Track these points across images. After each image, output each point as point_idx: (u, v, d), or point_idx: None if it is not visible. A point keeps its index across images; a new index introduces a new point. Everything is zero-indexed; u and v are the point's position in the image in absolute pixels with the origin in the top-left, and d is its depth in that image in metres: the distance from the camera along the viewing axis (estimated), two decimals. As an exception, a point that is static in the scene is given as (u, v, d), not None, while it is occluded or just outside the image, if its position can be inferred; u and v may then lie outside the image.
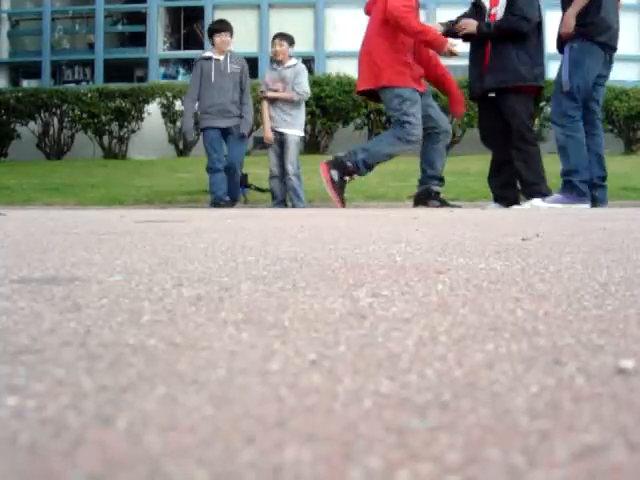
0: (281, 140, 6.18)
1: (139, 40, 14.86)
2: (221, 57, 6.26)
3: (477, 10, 5.64)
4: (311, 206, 6.33)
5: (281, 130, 6.15)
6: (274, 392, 0.54)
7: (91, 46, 14.91)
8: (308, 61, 13.81)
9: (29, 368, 0.61)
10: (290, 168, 6.15)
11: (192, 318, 0.84)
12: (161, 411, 0.49)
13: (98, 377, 0.58)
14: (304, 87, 6.24)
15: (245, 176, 7.00)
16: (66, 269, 1.32)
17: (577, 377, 0.58)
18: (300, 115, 6.32)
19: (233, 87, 6.31)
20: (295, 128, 6.25)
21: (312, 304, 0.93)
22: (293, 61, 6.28)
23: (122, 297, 0.99)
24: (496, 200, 5.62)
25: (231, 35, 6.36)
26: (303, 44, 13.11)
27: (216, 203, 6.18)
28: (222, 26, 6.37)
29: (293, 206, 6.20)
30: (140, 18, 14.86)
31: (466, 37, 5.56)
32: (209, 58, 6.28)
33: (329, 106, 11.66)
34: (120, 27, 15.48)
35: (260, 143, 8.16)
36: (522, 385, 0.55)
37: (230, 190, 6.39)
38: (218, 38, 6.27)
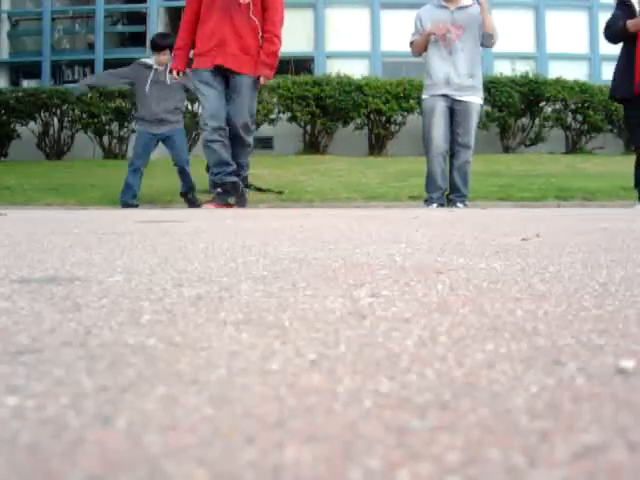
0: None
1: (139, 40, 14.86)
2: (161, 67, 6.32)
3: (626, 9, 5.46)
4: (311, 206, 6.32)
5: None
6: (274, 392, 0.54)
7: (91, 46, 14.91)
8: (308, 61, 13.82)
9: (29, 368, 0.61)
10: None
11: (192, 318, 0.84)
12: (161, 411, 0.49)
13: (98, 377, 0.58)
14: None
15: (245, 177, 7.05)
16: (66, 269, 1.32)
17: (577, 377, 0.58)
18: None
19: (172, 96, 6.36)
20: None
21: (312, 304, 0.93)
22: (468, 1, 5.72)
23: (122, 297, 0.99)
24: None
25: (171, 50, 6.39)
26: (303, 44, 13.12)
27: (125, 204, 6.35)
28: (164, 43, 6.36)
29: None
30: (140, 18, 14.86)
31: (624, 37, 5.43)
32: (149, 66, 6.36)
33: (329, 106, 11.66)
34: (120, 27, 15.49)
35: (260, 143, 8.18)
36: (522, 385, 0.55)
37: (185, 187, 6.54)
38: (157, 56, 6.36)
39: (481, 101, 5.82)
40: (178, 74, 5.59)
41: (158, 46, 6.36)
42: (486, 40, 5.65)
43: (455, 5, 5.63)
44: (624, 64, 5.50)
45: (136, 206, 6.37)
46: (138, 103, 6.60)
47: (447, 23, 5.61)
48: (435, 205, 5.71)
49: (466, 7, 5.63)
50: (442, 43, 5.59)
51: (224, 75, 5.49)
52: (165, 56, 6.32)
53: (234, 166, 5.66)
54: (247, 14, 5.38)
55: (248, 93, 5.47)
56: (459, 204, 5.71)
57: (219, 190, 5.63)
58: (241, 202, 5.80)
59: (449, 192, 5.83)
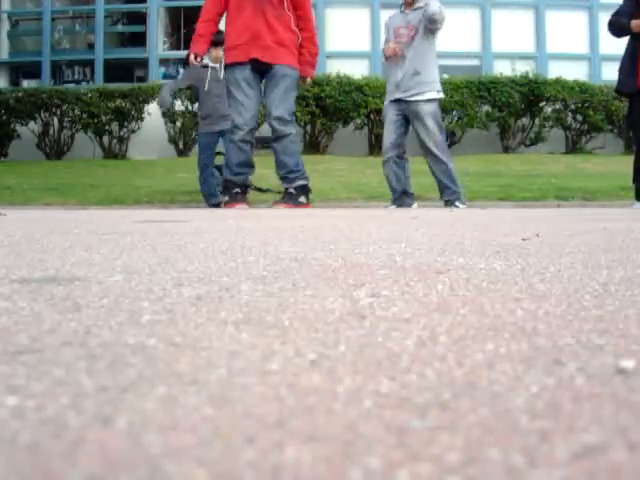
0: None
1: (139, 40, 14.87)
2: (217, 65, 6.31)
3: (633, 4, 5.40)
4: (312, 206, 6.31)
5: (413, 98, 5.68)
6: (274, 392, 0.54)
7: (91, 46, 14.91)
8: (308, 61, 13.82)
9: (29, 368, 0.61)
10: None
11: (192, 318, 0.84)
12: (161, 411, 0.49)
13: (98, 377, 0.58)
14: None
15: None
16: (66, 269, 1.32)
17: (577, 377, 0.58)
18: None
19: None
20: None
21: (312, 304, 0.93)
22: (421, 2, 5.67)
23: (122, 297, 0.99)
24: None
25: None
26: (303, 44, 13.14)
27: (216, 204, 6.22)
28: (218, 39, 6.33)
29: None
30: (140, 18, 14.86)
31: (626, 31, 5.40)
32: (205, 66, 6.34)
33: (329, 106, 11.66)
34: (120, 27, 15.49)
35: (262, 142, 8.17)
36: (522, 385, 0.55)
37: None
38: (212, 52, 6.32)
39: (435, 95, 5.73)
40: (196, 59, 5.46)
41: (213, 42, 6.32)
42: (425, 14, 5.55)
43: (411, 8, 5.72)
44: (628, 58, 5.46)
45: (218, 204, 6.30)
46: (201, 104, 6.51)
47: (401, 28, 5.72)
48: (393, 206, 5.81)
49: (420, 8, 5.68)
50: (398, 57, 5.68)
51: (261, 72, 5.41)
52: (220, 52, 6.30)
53: (254, 170, 5.63)
54: (279, 8, 5.36)
55: (285, 84, 5.36)
56: (457, 203, 5.71)
57: (238, 190, 5.55)
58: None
59: (440, 194, 5.86)
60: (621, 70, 5.58)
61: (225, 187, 5.67)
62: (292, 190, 5.55)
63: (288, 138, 5.44)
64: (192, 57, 5.46)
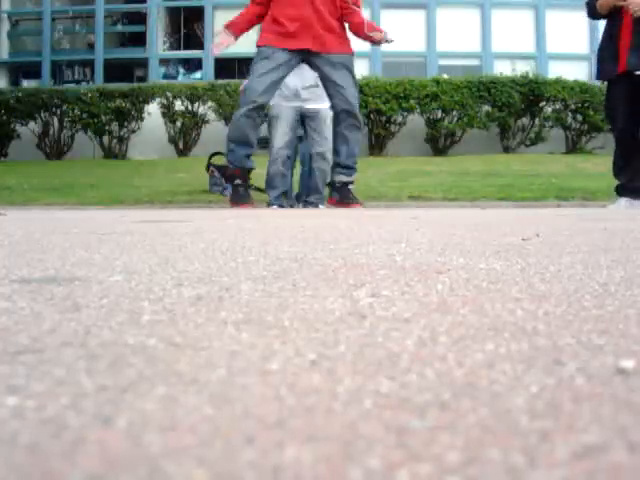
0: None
1: (139, 40, 14.88)
2: None
3: None
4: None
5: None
6: (274, 392, 0.54)
7: (91, 46, 14.92)
8: (308, 61, 13.82)
9: (29, 368, 0.61)
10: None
11: (192, 318, 0.84)
12: (161, 411, 0.49)
13: (98, 377, 0.58)
14: None
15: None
16: (66, 269, 1.32)
17: (577, 377, 0.58)
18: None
19: None
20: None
21: (312, 304, 0.93)
22: None
23: (122, 297, 0.99)
24: (622, 195, 5.38)
25: None
26: (303, 44, 13.12)
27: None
28: None
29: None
30: (140, 18, 14.87)
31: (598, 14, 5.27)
32: None
33: (329, 106, 11.63)
34: (120, 27, 15.49)
35: (261, 143, 8.13)
36: (522, 385, 0.55)
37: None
38: None
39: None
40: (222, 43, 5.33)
41: None
42: None
43: None
44: (606, 43, 5.31)
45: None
46: None
47: None
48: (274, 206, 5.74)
49: None
50: None
51: (309, 62, 5.31)
52: None
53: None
54: None
55: (339, 72, 5.29)
56: (320, 205, 5.76)
57: (239, 181, 5.52)
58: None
59: (308, 195, 5.90)
60: (600, 56, 5.42)
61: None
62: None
63: (359, 129, 5.48)
64: (222, 37, 5.34)
